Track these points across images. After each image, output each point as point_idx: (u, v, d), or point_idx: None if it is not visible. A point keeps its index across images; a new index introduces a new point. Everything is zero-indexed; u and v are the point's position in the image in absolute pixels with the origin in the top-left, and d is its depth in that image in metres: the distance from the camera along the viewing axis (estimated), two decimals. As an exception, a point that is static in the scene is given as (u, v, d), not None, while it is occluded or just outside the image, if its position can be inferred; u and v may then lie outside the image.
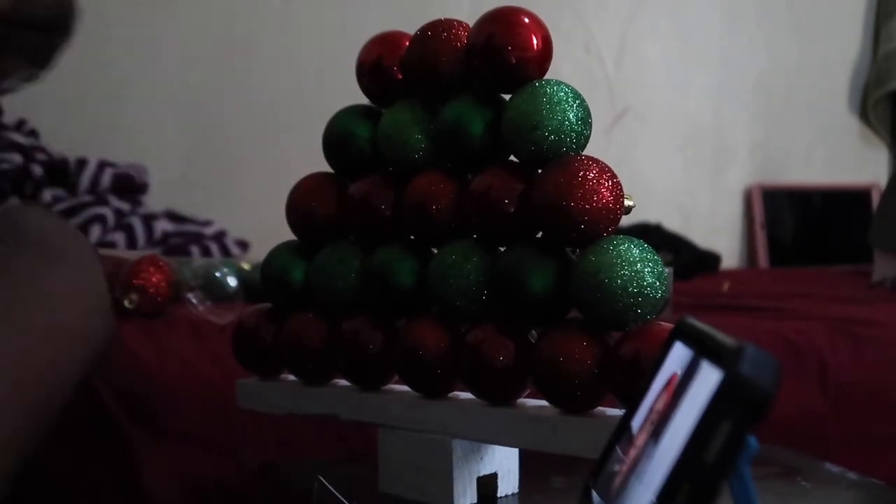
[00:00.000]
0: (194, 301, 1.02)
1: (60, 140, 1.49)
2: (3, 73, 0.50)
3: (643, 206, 1.27)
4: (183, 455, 0.87)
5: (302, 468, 0.69)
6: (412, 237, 0.61)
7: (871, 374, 1.11)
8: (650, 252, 0.50)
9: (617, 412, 0.51)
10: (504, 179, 0.55)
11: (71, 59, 1.63)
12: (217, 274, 1.09)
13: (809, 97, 2.26)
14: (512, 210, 0.54)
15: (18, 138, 1.41)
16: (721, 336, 0.31)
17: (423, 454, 0.59)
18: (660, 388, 0.35)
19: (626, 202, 0.52)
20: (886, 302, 1.38)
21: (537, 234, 0.55)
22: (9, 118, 1.47)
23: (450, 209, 0.57)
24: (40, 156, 1.41)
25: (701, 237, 2.00)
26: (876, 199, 2.19)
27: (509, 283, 0.54)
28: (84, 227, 1.35)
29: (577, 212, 0.50)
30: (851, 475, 0.67)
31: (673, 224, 1.97)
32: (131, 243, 1.39)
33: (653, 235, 1.83)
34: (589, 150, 0.54)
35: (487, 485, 0.59)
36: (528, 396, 0.56)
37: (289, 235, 0.67)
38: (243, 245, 1.55)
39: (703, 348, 0.32)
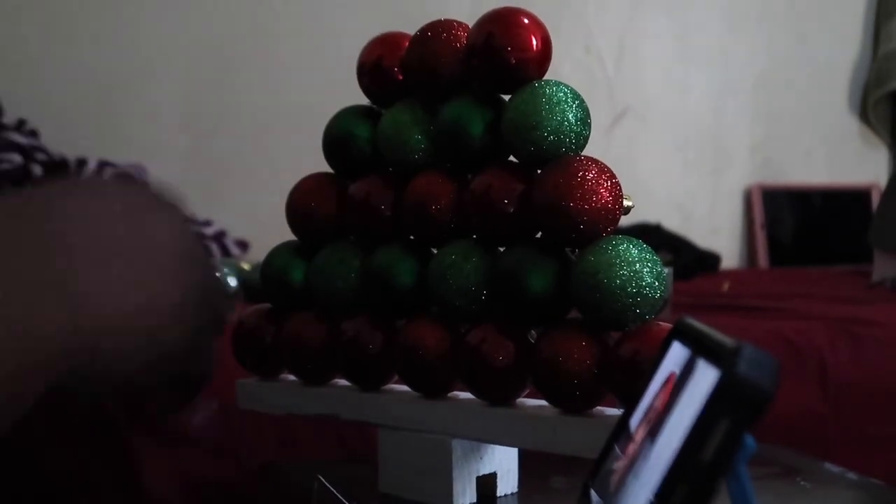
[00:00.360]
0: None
1: (60, 140, 1.49)
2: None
3: (643, 207, 1.27)
4: (183, 455, 0.87)
5: (302, 468, 0.69)
6: (412, 237, 0.61)
7: (871, 374, 1.11)
8: (649, 252, 0.50)
9: (616, 412, 0.52)
10: (504, 180, 0.55)
11: (71, 60, 1.63)
12: (217, 274, 1.09)
13: (809, 97, 2.26)
14: (511, 210, 0.54)
15: (18, 138, 1.41)
16: (719, 336, 0.31)
17: (423, 454, 0.59)
18: (658, 388, 0.36)
19: (626, 202, 0.53)
20: (886, 302, 1.38)
21: (537, 234, 0.55)
22: (9, 118, 1.47)
23: (450, 209, 0.57)
24: (40, 156, 1.41)
25: (701, 237, 2.00)
26: (876, 199, 2.19)
27: (509, 283, 0.54)
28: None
29: (577, 212, 0.51)
30: (851, 475, 0.67)
31: (673, 224, 1.97)
32: (131, 243, 1.39)
33: (652, 236, 1.83)
34: (589, 151, 0.54)
35: (487, 484, 0.59)
36: (527, 396, 0.56)
37: (289, 235, 0.67)
38: (243, 245, 1.55)
39: (702, 348, 0.32)
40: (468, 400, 0.58)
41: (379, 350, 0.61)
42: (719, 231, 2.17)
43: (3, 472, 0.82)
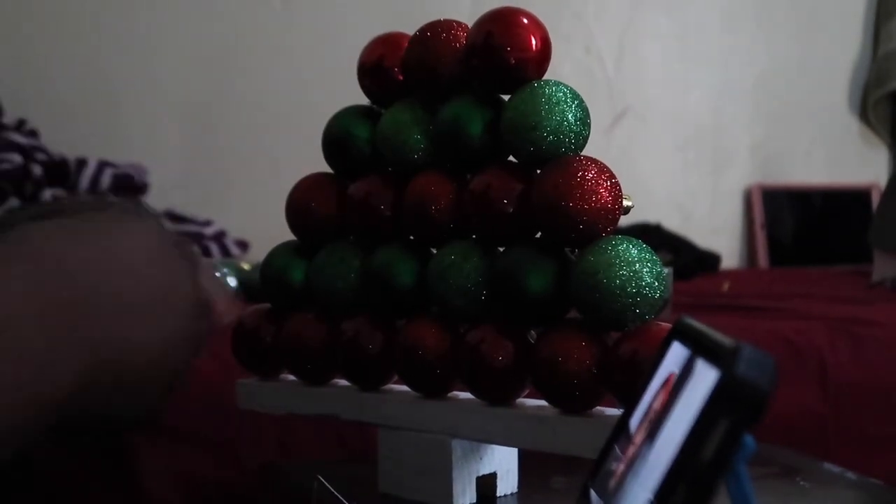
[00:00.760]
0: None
1: (60, 140, 1.49)
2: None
3: (643, 207, 1.27)
4: (183, 455, 0.87)
5: (302, 468, 0.69)
6: (412, 237, 0.61)
7: (871, 374, 1.11)
8: (649, 252, 0.50)
9: (615, 412, 0.52)
10: (503, 180, 0.55)
11: (71, 60, 1.63)
12: (217, 274, 1.09)
13: (809, 97, 2.26)
14: (511, 210, 0.54)
15: (18, 138, 1.41)
16: (718, 336, 0.31)
17: (423, 454, 0.59)
18: (658, 388, 0.36)
19: (625, 202, 0.53)
20: (886, 302, 1.38)
21: (536, 234, 0.55)
22: (9, 118, 1.47)
23: (449, 209, 0.57)
24: (40, 156, 1.41)
25: (701, 237, 2.00)
26: (876, 199, 2.19)
27: (508, 283, 0.54)
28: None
29: (576, 212, 0.51)
30: (851, 475, 0.67)
31: (673, 224, 1.97)
32: (131, 243, 1.39)
33: (652, 235, 1.83)
34: (589, 151, 0.54)
35: (487, 484, 0.59)
36: (527, 396, 0.56)
37: (289, 235, 0.67)
38: (243, 245, 1.55)
39: (701, 348, 0.32)
40: (468, 400, 0.58)
41: (379, 350, 0.61)
42: (719, 231, 2.17)
43: (1, 472, 0.82)
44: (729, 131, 2.20)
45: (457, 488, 0.57)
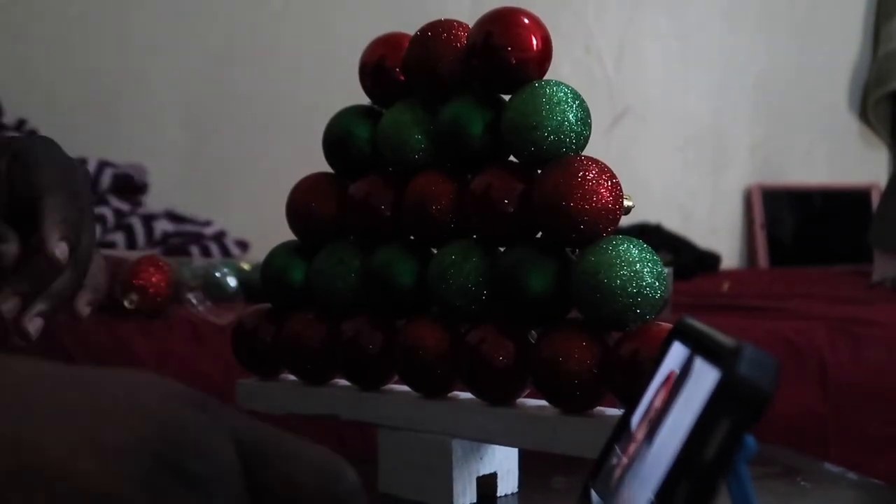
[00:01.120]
0: (194, 301, 1.02)
1: (60, 140, 1.49)
2: None
3: (643, 207, 1.27)
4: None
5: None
6: (412, 237, 0.61)
7: (871, 374, 1.11)
8: (649, 252, 0.50)
9: (616, 412, 0.52)
10: (504, 179, 0.55)
11: (71, 60, 1.63)
12: (217, 274, 1.09)
13: (809, 97, 2.26)
14: (511, 210, 0.54)
15: (19, 138, 1.41)
16: (719, 336, 0.31)
17: (423, 454, 0.59)
18: (658, 388, 0.36)
19: (626, 202, 0.53)
20: (886, 302, 1.39)
21: (537, 234, 0.55)
22: (9, 118, 1.47)
23: (450, 209, 0.57)
24: (40, 156, 1.41)
25: (701, 237, 2.00)
26: (876, 199, 2.19)
27: (509, 283, 0.54)
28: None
29: (577, 212, 0.51)
30: (851, 475, 0.67)
31: (673, 224, 1.97)
32: (131, 243, 1.39)
33: (652, 236, 1.83)
34: (589, 151, 0.54)
35: (487, 484, 0.59)
36: (527, 396, 0.56)
37: (289, 235, 0.67)
38: (243, 245, 1.55)
39: (702, 348, 0.32)
40: (468, 400, 0.58)
41: (379, 350, 0.61)
42: (719, 231, 2.17)
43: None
44: (729, 131, 2.20)
45: (457, 488, 0.57)
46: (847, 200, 2.25)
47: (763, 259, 2.16)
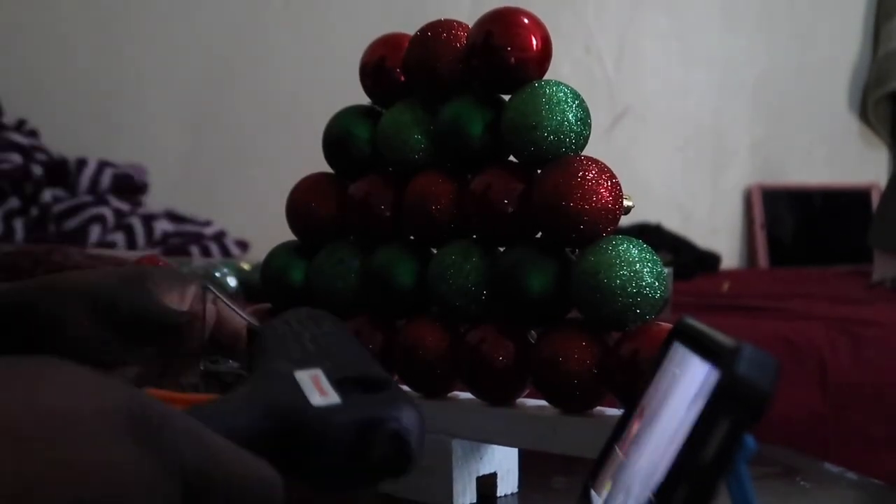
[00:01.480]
0: (194, 301, 1.02)
1: (60, 140, 1.49)
2: None
3: (643, 207, 1.27)
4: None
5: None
6: (412, 237, 0.61)
7: (871, 374, 1.11)
8: (649, 252, 0.50)
9: (616, 412, 0.51)
10: (504, 179, 0.55)
11: (71, 60, 1.63)
12: (217, 274, 1.09)
13: (809, 97, 2.26)
14: (511, 210, 0.54)
15: (18, 138, 1.41)
16: (719, 336, 0.31)
17: (423, 454, 0.58)
18: (658, 389, 0.36)
19: (626, 202, 0.53)
20: (886, 302, 1.39)
21: (537, 234, 0.55)
22: (9, 118, 1.47)
23: (450, 209, 0.57)
24: (40, 156, 1.41)
25: (701, 237, 2.00)
26: (876, 199, 2.19)
27: (509, 283, 0.54)
28: (84, 228, 1.35)
29: (577, 212, 0.51)
30: (851, 475, 0.67)
31: (673, 224, 1.97)
32: (131, 243, 1.39)
33: (652, 235, 1.83)
34: (589, 151, 0.54)
35: (487, 484, 0.59)
36: (527, 396, 0.56)
37: (289, 235, 0.67)
38: (243, 245, 1.55)
39: (702, 348, 0.32)
40: (468, 400, 0.58)
41: (379, 350, 0.61)
42: (719, 231, 2.17)
43: None
44: (729, 131, 2.20)
45: (457, 488, 0.57)
46: (847, 200, 2.25)
47: (763, 259, 2.16)
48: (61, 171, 1.41)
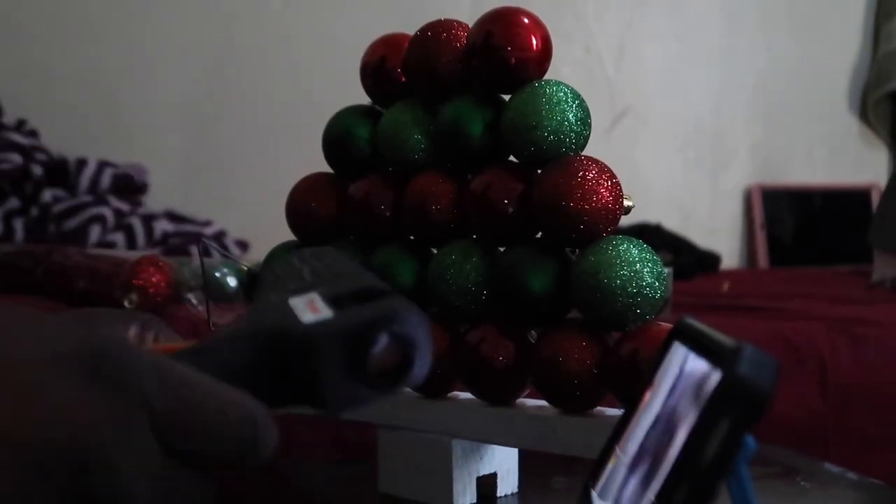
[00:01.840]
0: (194, 301, 1.02)
1: (60, 140, 1.49)
2: None
3: (643, 207, 1.27)
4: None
5: (302, 468, 0.69)
6: (412, 237, 0.61)
7: (871, 374, 1.11)
8: (649, 252, 0.50)
9: (616, 412, 0.51)
10: (504, 180, 0.55)
11: (71, 60, 1.63)
12: (217, 274, 1.09)
13: (809, 97, 2.26)
14: (511, 210, 0.54)
15: (18, 138, 1.41)
16: (719, 336, 0.31)
17: (423, 454, 0.59)
18: (658, 389, 0.36)
19: (626, 202, 0.53)
20: (886, 302, 1.38)
21: (537, 234, 0.55)
22: (9, 118, 1.47)
23: (450, 209, 0.57)
24: (40, 156, 1.41)
25: (701, 237, 2.00)
26: (876, 199, 2.19)
27: (509, 283, 0.54)
28: (84, 228, 1.35)
29: (577, 212, 0.51)
30: (851, 475, 0.67)
31: (673, 224, 1.97)
32: (131, 243, 1.39)
33: (652, 236, 1.83)
34: (589, 151, 0.54)
35: (487, 485, 0.59)
36: (527, 396, 0.56)
37: (289, 235, 0.67)
38: (243, 245, 1.55)
39: (702, 348, 0.32)
40: (468, 400, 0.58)
41: (379, 350, 0.60)
42: (719, 231, 2.17)
43: None
44: (729, 131, 2.20)
45: (457, 488, 0.57)
46: (847, 200, 2.25)
47: (763, 259, 2.16)
48: (61, 171, 1.41)
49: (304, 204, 0.65)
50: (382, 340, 0.32)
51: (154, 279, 0.98)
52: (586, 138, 0.54)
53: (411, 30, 0.61)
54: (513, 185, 0.54)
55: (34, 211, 1.37)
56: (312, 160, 0.69)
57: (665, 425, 0.32)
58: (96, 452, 0.26)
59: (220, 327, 0.33)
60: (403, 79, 0.62)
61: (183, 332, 0.98)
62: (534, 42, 0.55)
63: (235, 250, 1.50)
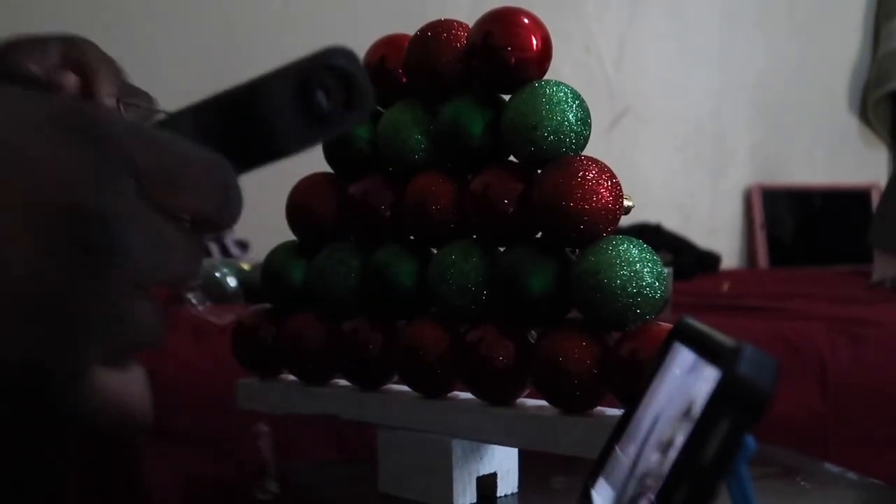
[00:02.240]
0: (194, 301, 1.02)
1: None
2: None
3: (643, 207, 1.27)
4: (183, 455, 0.87)
5: (302, 468, 0.69)
6: (412, 237, 0.61)
7: (871, 374, 1.11)
8: (649, 252, 0.50)
9: (616, 412, 0.51)
10: (504, 180, 0.55)
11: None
12: (217, 274, 1.09)
13: (809, 97, 2.26)
14: (511, 210, 0.54)
15: (18, 138, 1.40)
16: (719, 336, 0.31)
17: (423, 454, 0.59)
18: (659, 390, 0.36)
19: (626, 202, 0.53)
20: (886, 302, 1.39)
21: (537, 234, 0.55)
22: (9, 118, 1.47)
23: (450, 209, 0.57)
24: (40, 156, 1.41)
25: (701, 237, 2.00)
26: (876, 199, 2.19)
27: (509, 283, 0.54)
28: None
29: (577, 212, 0.51)
30: (851, 475, 0.67)
31: (673, 224, 1.97)
32: (131, 243, 1.39)
33: (652, 236, 1.83)
34: (589, 151, 0.54)
35: (487, 485, 0.59)
36: (527, 396, 0.56)
37: (289, 235, 0.67)
38: (243, 245, 1.55)
39: (702, 348, 0.32)
40: (468, 400, 0.58)
41: (379, 350, 0.61)
42: (719, 231, 2.17)
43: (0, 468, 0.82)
44: (729, 131, 2.20)
45: (457, 488, 0.57)
46: (847, 200, 2.25)
47: (763, 259, 2.16)
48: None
49: (304, 204, 0.65)
50: (325, 75, 0.35)
51: (154, 279, 0.98)
52: (586, 138, 0.54)
53: (411, 30, 0.61)
54: (513, 185, 0.54)
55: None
56: (312, 160, 0.69)
57: (664, 425, 0.32)
58: (95, 210, 0.28)
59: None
60: (404, 79, 0.62)
61: (183, 332, 0.99)
62: (534, 42, 0.55)
63: (235, 250, 1.50)
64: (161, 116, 0.35)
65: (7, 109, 0.28)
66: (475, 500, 0.58)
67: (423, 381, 0.59)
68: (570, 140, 0.53)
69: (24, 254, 0.26)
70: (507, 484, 0.60)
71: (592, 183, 0.51)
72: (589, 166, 0.51)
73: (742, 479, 0.28)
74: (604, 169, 0.52)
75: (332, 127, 0.35)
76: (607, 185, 0.51)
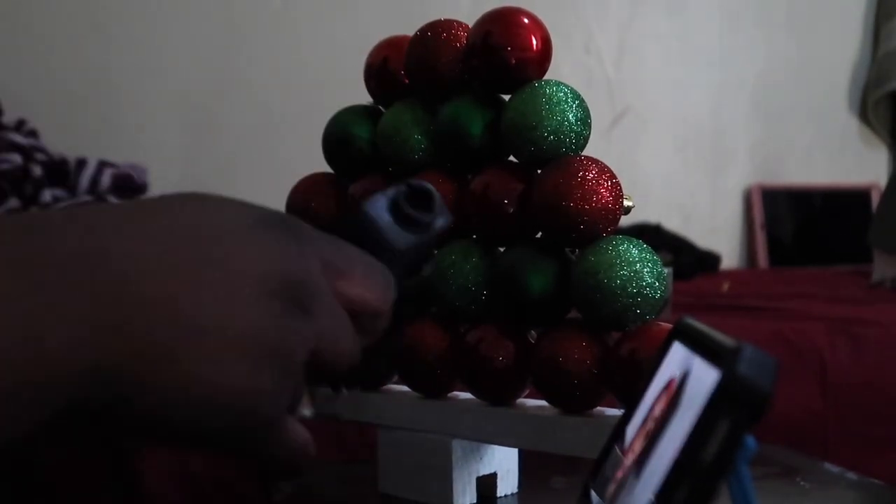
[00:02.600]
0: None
1: (60, 140, 1.49)
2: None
3: (643, 207, 1.27)
4: (182, 454, 0.87)
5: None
6: (412, 237, 0.61)
7: (871, 374, 1.11)
8: (649, 252, 0.50)
9: (616, 412, 0.52)
10: (503, 180, 0.55)
11: (71, 60, 1.63)
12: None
13: (809, 97, 2.26)
14: (511, 210, 0.54)
15: (18, 138, 1.41)
16: (719, 336, 0.31)
17: (423, 454, 0.59)
18: (659, 389, 0.36)
19: (626, 202, 0.53)
20: (886, 302, 1.39)
21: (537, 234, 0.55)
22: (9, 118, 1.47)
23: (449, 209, 0.57)
24: (40, 156, 1.41)
25: (701, 237, 2.00)
26: (876, 199, 2.19)
27: (509, 283, 0.54)
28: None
29: (577, 212, 0.51)
30: (851, 475, 0.67)
31: (673, 224, 1.97)
32: (131, 243, 1.39)
33: (652, 236, 1.83)
34: (589, 151, 0.54)
35: (487, 485, 0.59)
36: (527, 396, 0.56)
37: (289, 235, 0.67)
38: (243, 245, 1.55)
39: (702, 348, 0.32)
40: (468, 400, 0.58)
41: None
42: (719, 231, 2.17)
43: (0, 469, 0.82)
44: (729, 131, 2.20)
45: (457, 488, 0.57)
46: (847, 200, 2.25)
47: (763, 259, 2.16)
48: (61, 171, 1.41)
49: (304, 204, 0.65)
50: (406, 190, 0.42)
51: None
52: (586, 138, 0.54)
53: (412, 30, 0.61)
54: (513, 185, 0.54)
55: (34, 211, 1.37)
56: (313, 160, 0.69)
57: (666, 428, 0.32)
58: (301, 278, 0.34)
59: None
60: (406, 80, 0.62)
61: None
62: (534, 42, 0.55)
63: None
64: None
65: (227, 212, 0.36)
66: (475, 500, 0.58)
67: (423, 381, 0.59)
68: (570, 140, 0.53)
69: (252, 312, 0.32)
70: (507, 484, 0.60)
71: (592, 183, 0.51)
72: (589, 166, 0.51)
73: (742, 479, 0.28)
74: (604, 169, 0.52)
75: (423, 227, 0.43)
76: (607, 185, 0.51)
